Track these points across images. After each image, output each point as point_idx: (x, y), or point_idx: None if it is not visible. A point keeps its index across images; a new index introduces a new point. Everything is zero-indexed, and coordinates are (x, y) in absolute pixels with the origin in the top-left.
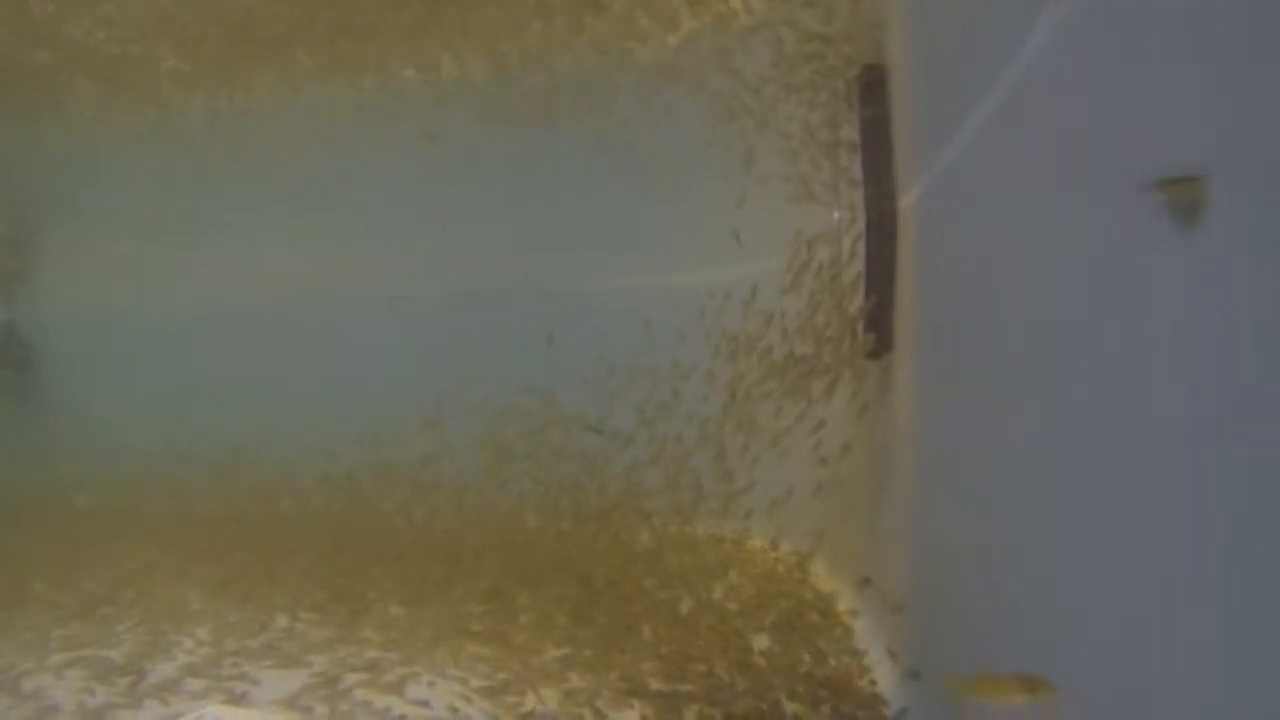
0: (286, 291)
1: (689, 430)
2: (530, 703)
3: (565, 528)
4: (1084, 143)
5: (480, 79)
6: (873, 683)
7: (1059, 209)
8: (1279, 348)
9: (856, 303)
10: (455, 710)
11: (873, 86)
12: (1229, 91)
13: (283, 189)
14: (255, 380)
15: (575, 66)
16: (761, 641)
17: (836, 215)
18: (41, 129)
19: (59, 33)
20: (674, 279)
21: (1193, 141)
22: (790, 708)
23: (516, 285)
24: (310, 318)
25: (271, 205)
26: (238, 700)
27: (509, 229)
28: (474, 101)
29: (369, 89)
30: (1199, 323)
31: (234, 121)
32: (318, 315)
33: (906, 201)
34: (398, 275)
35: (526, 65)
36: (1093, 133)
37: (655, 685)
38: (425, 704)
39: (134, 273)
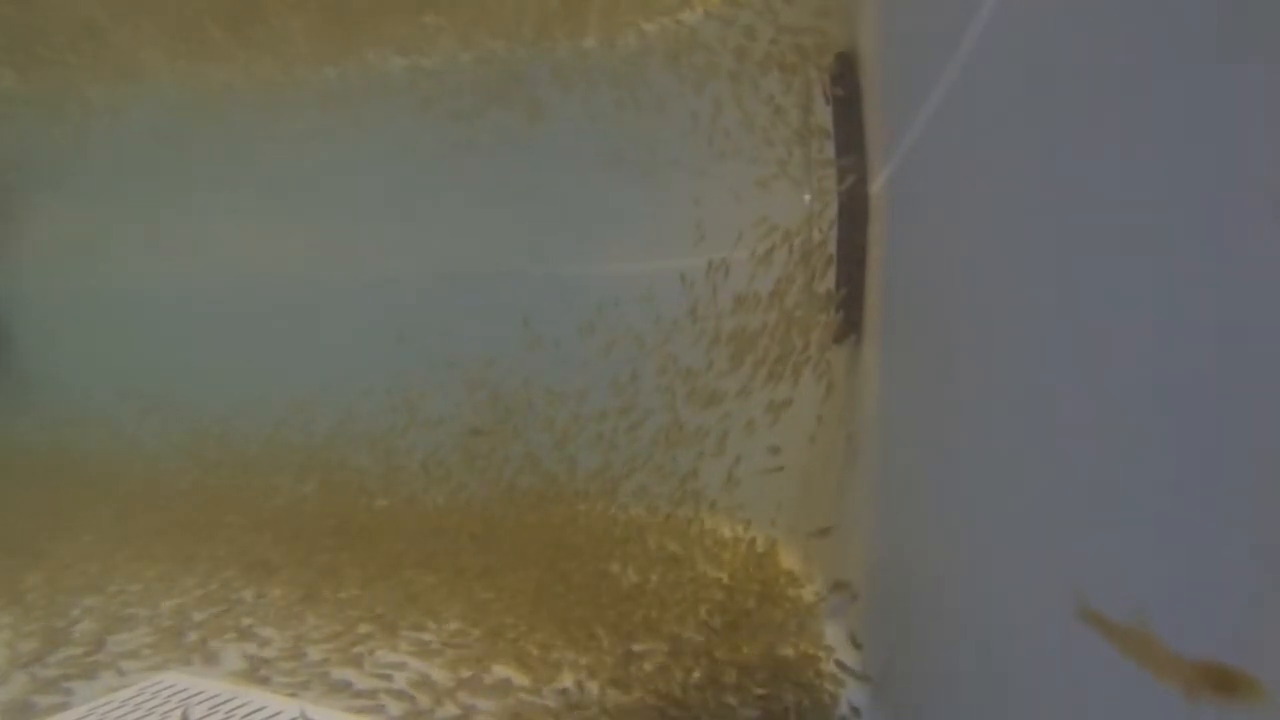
0: (263, 270)
1: (659, 413)
2: (490, 676)
3: (531, 508)
4: (1050, 122)
5: (463, 63)
6: (834, 665)
7: (1025, 193)
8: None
9: (827, 285)
10: (414, 681)
11: (845, 72)
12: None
13: (263, 168)
14: (230, 358)
15: (558, 52)
16: (721, 621)
17: (808, 199)
18: (15, 100)
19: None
20: (646, 265)
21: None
22: (744, 685)
23: (494, 268)
24: (287, 297)
25: (251, 183)
26: (196, 671)
27: (488, 213)
28: (454, 85)
29: (354, 72)
30: (1174, 313)
31: (218, 100)
32: (294, 295)
33: (877, 184)
34: (375, 257)
35: (510, 49)
36: (1060, 111)
37: (613, 660)
38: (386, 676)
39: (111, 248)
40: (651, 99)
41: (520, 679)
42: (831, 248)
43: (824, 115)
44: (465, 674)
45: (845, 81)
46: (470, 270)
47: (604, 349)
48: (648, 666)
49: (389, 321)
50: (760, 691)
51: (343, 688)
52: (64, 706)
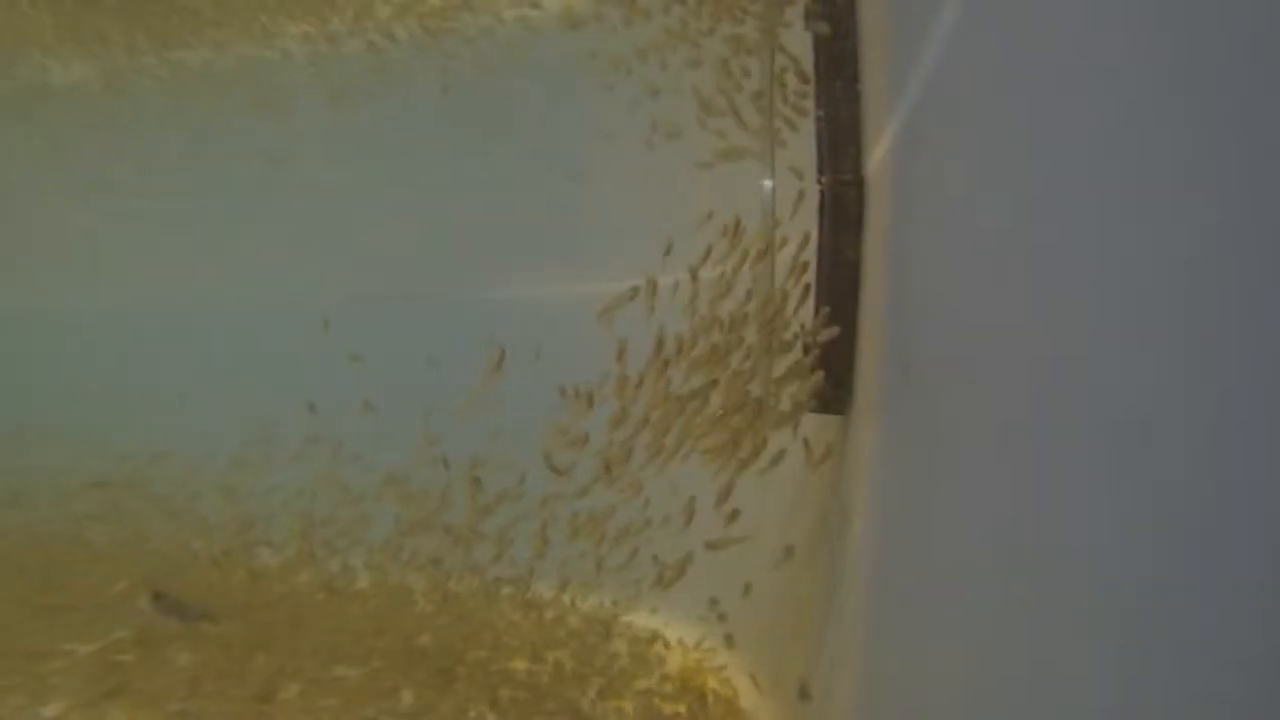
0: (210, 293)
1: (571, 490)
2: None
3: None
4: None
5: (417, 68)
6: None
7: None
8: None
9: (801, 322)
10: None
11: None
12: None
13: (208, 187)
14: (169, 386)
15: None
16: None
17: (768, 185)
18: None
19: None
20: (580, 288)
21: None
22: None
23: (398, 293)
24: (235, 322)
25: (195, 203)
26: None
27: (444, 233)
28: (411, 96)
29: (301, 84)
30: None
31: (122, 101)
32: (243, 320)
33: (877, 158)
34: (330, 279)
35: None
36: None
37: None
38: None
39: (51, 272)
40: (572, 92)
41: None
42: (809, 258)
43: (799, 65)
44: None
45: (832, 12)
46: (380, 296)
47: (510, 400)
48: None
49: (343, 345)
50: None
51: None
52: None
